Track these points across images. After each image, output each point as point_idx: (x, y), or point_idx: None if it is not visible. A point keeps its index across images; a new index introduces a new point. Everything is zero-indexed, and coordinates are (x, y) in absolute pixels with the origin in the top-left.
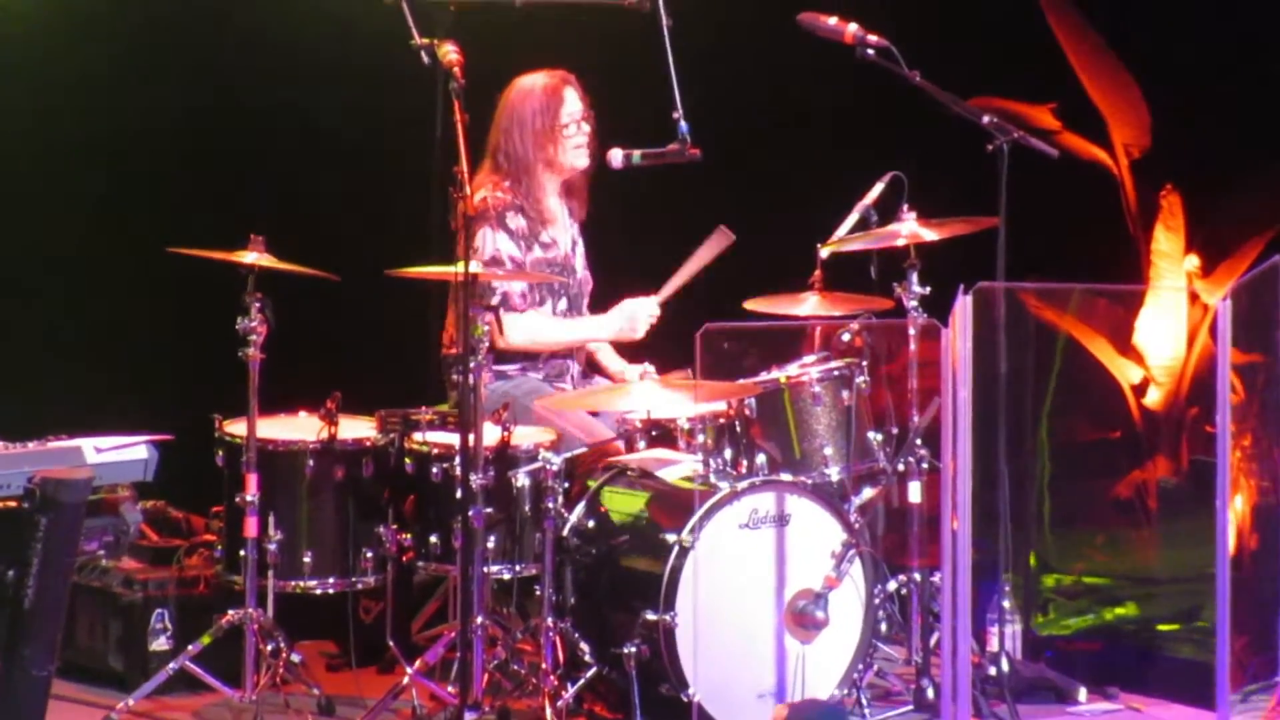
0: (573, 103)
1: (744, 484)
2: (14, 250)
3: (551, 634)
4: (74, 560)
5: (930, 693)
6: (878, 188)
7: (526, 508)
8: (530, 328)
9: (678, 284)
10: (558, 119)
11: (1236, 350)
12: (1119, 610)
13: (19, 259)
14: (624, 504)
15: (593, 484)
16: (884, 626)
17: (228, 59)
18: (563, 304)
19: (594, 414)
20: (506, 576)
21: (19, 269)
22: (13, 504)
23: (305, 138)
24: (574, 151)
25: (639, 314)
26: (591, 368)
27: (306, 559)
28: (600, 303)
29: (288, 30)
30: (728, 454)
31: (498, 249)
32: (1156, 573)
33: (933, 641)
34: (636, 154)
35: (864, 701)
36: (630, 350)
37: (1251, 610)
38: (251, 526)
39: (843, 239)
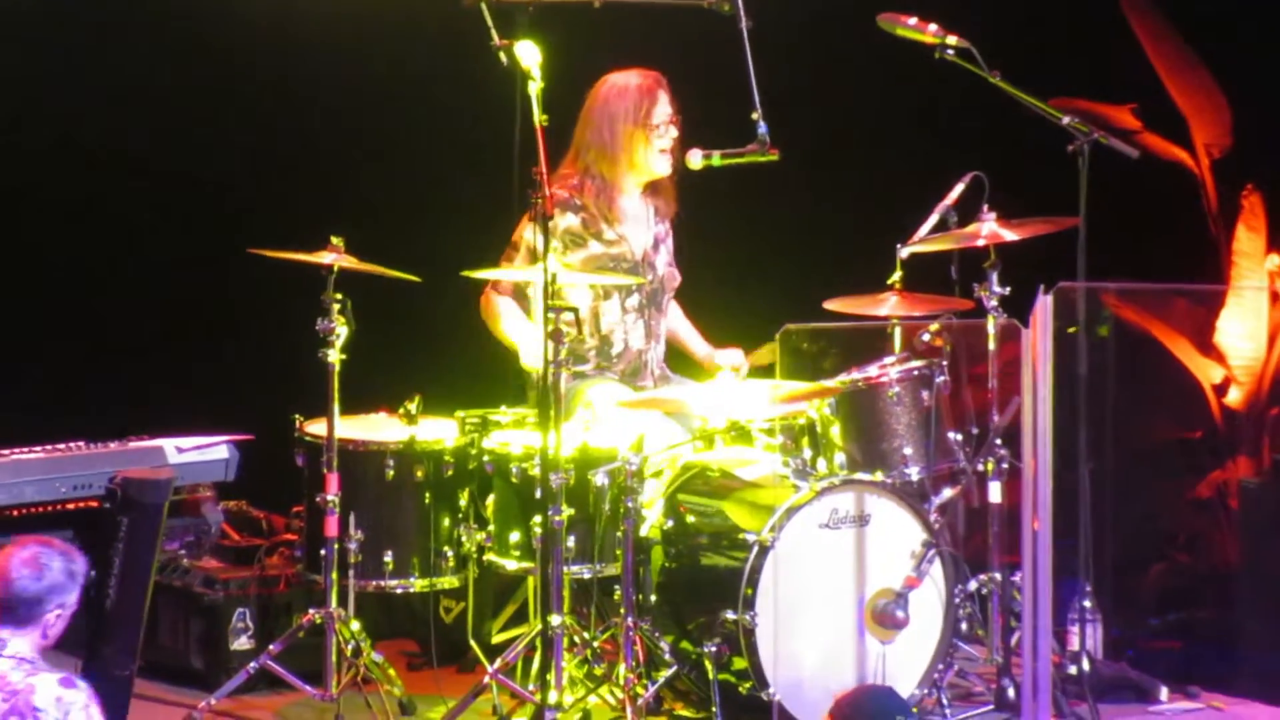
0: (664, 105)
1: (824, 484)
2: (95, 252)
3: (631, 634)
4: (155, 560)
5: (1011, 692)
6: (958, 188)
7: (606, 507)
8: (497, 310)
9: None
10: (650, 119)
11: None
12: (1200, 610)
13: (100, 261)
14: (703, 503)
15: (672, 483)
16: (964, 626)
17: (309, 60)
18: (633, 299)
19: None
20: (586, 576)
21: (100, 271)
22: (94, 504)
23: (385, 139)
24: (659, 156)
25: (538, 356)
26: (675, 351)
27: (387, 559)
28: (684, 299)
29: (368, 31)
30: (807, 454)
31: (528, 240)
32: (1237, 572)
33: (1013, 641)
34: (716, 154)
35: (945, 701)
36: (716, 336)
37: None
38: (332, 526)
39: (923, 239)
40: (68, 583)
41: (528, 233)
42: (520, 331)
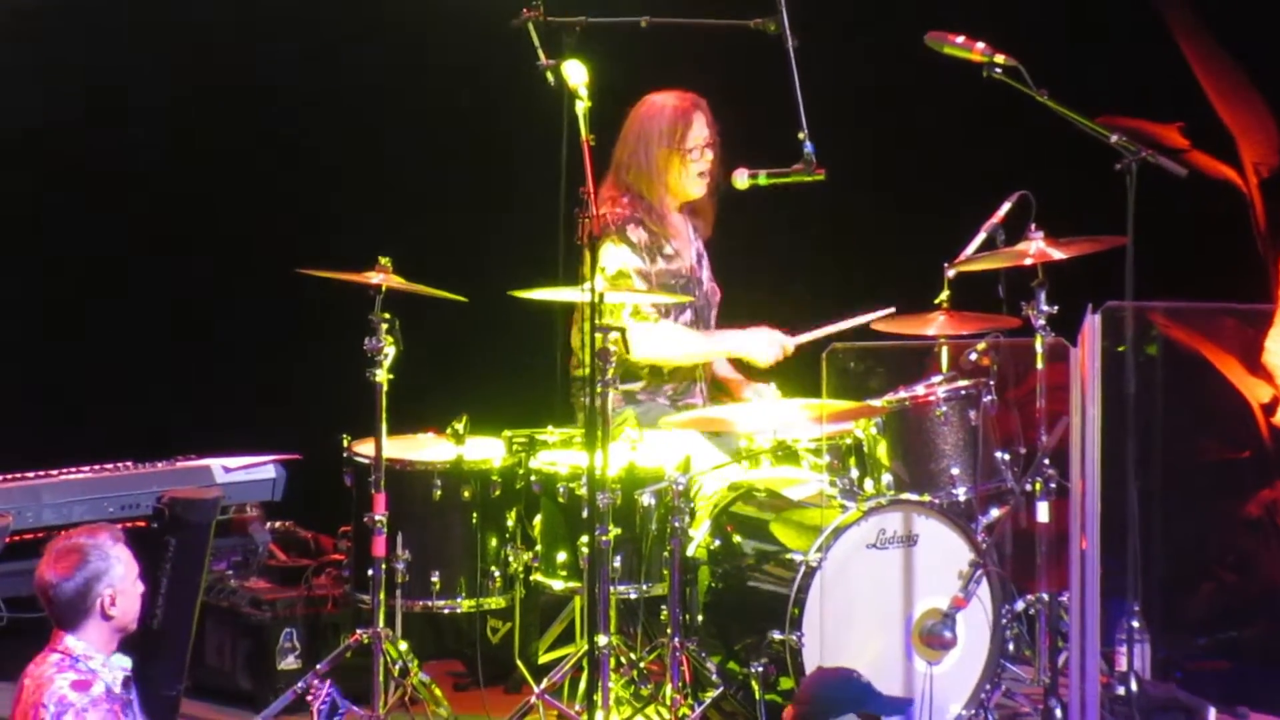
0: (700, 128)
1: (871, 504)
2: (142, 272)
3: (678, 654)
4: (203, 580)
5: (1058, 713)
6: (1005, 207)
7: (652, 527)
8: (662, 337)
9: (822, 335)
10: (684, 142)
11: None
12: (1249, 629)
13: (148, 281)
14: (750, 523)
15: (719, 503)
16: (1012, 646)
17: (357, 80)
18: (687, 316)
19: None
20: (633, 596)
21: (149, 291)
22: (142, 524)
23: (432, 159)
24: (694, 179)
25: (773, 341)
26: (712, 383)
27: (434, 579)
28: (728, 313)
29: (415, 51)
30: (854, 474)
31: (623, 263)
32: None
33: (1061, 661)
34: (762, 174)
35: None
36: (754, 369)
37: None
38: (379, 546)
39: (970, 258)
40: (102, 564)
41: (615, 258)
42: (708, 339)
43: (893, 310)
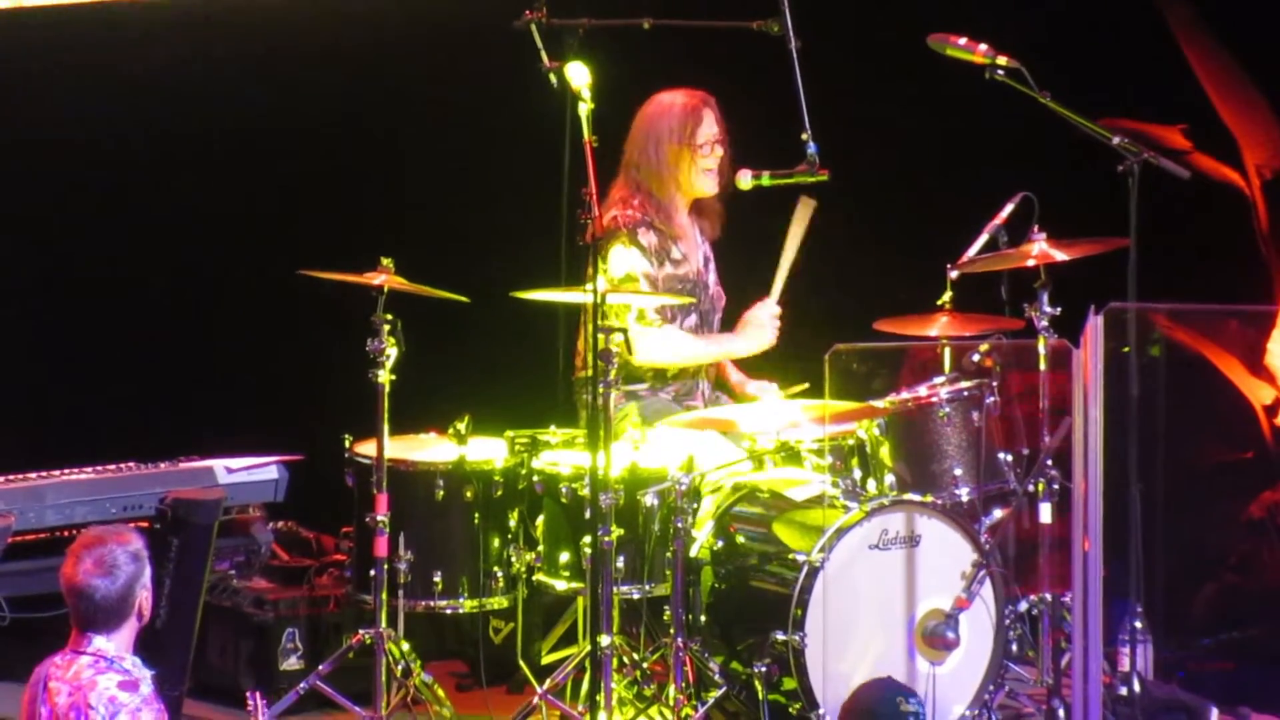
0: (710, 125)
1: (874, 504)
2: (146, 273)
3: (681, 654)
4: (205, 580)
5: (1061, 713)
6: (1007, 208)
7: (655, 527)
8: (664, 343)
9: (784, 274)
10: (695, 138)
11: None
12: (1251, 630)
13: (151, 282)
14: (753, 524)
15: (722, 504)
16: (1015, 647)
17: (358, 82)
18: (692, 320)
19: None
20: (635, 597)
21: (151, 292)
22: (145, 525)
23: (435, 160)
24: (704, 175)
25: (763, 320)
26: (718, 384)
27: (436, 579)
28: (730, 318)
29: (418, 53)
30: (857, 474)
31: (631, 266)
32: None
33: (1064, 662)
34: (765, 175)
35: None
36: (752, 367)
37: None
38: (382, 546)
39: (973, 260)
40: (137, 566)
41: (625, 261)
42: (711, 344)
43: (812, 204)
